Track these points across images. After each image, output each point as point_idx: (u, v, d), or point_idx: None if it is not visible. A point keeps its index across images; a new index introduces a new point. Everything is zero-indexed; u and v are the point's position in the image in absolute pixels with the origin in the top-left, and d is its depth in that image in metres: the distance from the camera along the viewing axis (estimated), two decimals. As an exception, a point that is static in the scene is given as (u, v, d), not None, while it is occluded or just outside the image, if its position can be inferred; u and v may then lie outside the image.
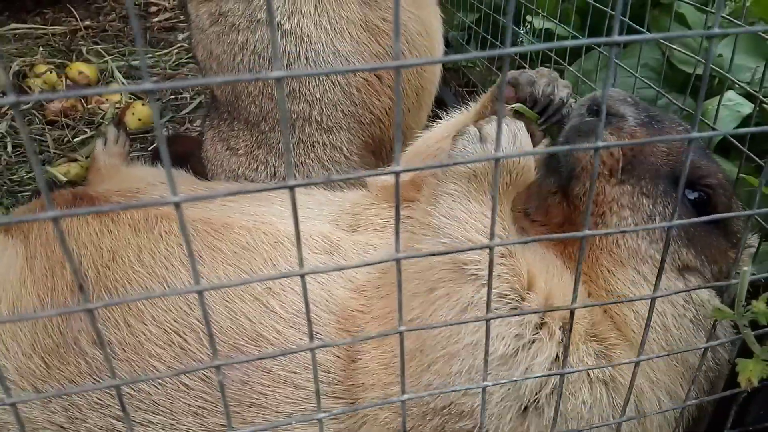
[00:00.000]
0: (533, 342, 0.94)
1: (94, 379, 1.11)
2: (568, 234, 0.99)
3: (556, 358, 0.94)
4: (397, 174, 0.59)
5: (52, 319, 1.16)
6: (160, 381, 1.09)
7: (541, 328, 0.96)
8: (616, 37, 0.57)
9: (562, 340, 0.95)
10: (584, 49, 1.95)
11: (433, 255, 0.73)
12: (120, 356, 1.09)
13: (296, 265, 1.18)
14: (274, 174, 1.65)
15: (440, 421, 0.96)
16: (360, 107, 1.59)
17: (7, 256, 1.29)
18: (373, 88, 1.59)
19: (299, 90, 1.52)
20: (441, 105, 2.56)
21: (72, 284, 1.16)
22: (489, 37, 2.38)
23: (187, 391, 1.08)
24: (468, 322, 0.72)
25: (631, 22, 1.63)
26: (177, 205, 0.55)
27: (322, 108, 1.55)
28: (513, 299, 0.96)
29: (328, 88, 1.52)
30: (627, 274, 1.01)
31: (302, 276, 0.63)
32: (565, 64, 1.96)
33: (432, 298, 0.97)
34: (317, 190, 1.46)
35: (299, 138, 1.60)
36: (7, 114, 2.69)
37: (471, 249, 0.83)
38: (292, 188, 0.57)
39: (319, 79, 1.51)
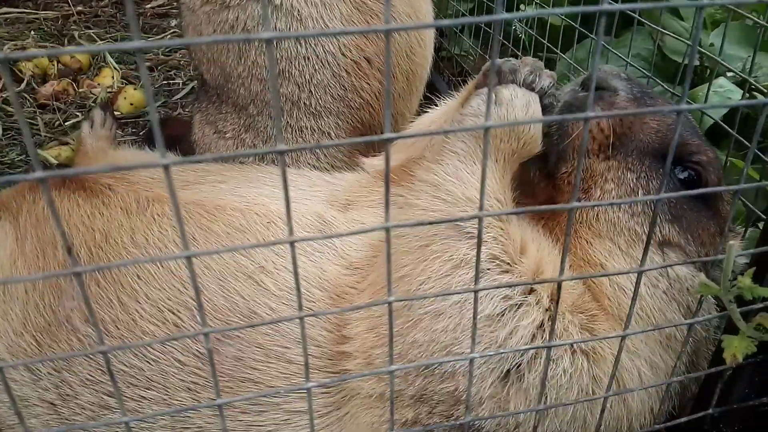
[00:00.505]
0: (520, 305, 0.95)
1: (86, 357, 1.12)
2: (558, 206, 1.00)
3: (541, 324, 0.95)
4: (387, 141, 0.59)
5: (44, 297, 1.16)
6: (153, 357, 1.09)
7: (530, 293, 0.97)
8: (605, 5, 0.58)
9: (549, 308, 0.96)
10: (577, 38, 1.95)
11: (422, 224, 0.73)
12: (113, 334, 1.10)
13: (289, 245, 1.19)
14: (262, 158, 1.65)
15: (423, 382, 0.96)
16: (349, 91, 1.59)
17: None
18: (362, 71, 1.59)
19: (288, 71, 1.52)
20: (434, 93, 2.56)
21: (64, 262, 1.16)
22: (483, 26, 2.38)
23: (181, 367, 1.09)
24: (455, 293, 0.73)
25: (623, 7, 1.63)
26: (166, 168, 0.55)
27: (311, 90, 1.55)
28: (505, 261, 0.97)
29: (317, 68, 1.52)
30: (604, 245, 1.03)
31: (291, 243, 0.64)
32: (559, 52, 1.96)
33: (426, 253, 0.97)
34: (311, 172, 1.46)
35: (287, 122, 1.60)
36: (-2, 97, 2.67)
37: (461, 219, 0.83)
38: (282, 153, 0.57)
39: (308, 59, 1.51)
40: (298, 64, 1.51)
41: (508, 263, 0.97)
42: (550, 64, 2.09)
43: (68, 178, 1.42)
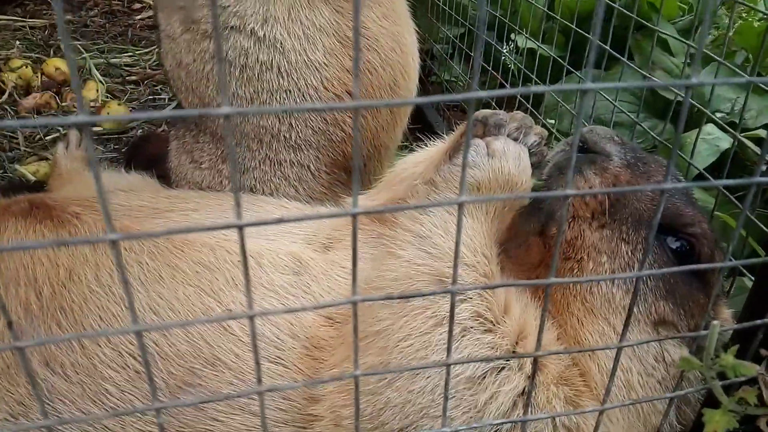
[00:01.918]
0: (502, 369, 0.91)
1: (45, 401, 1.06)
2: (534, 281, 0.96)
3: (523, 391, 0.91)
4: (354, 216, 0.55)
5: (4, 336, 1.11)
6: (111, 405, 1.04)
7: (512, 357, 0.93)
8: (588, 84, 0.55)
9: (531, 375, 0.92)
10: (565, 72, 1.93)
11: (390, 299, 0.69)
12: (72, 379, 1.05)
13: (261, 285, 1.14)
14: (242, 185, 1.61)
15: None
16: (331, 124, 1.55)
17: None
18: None
19: (269, 103, 1.49)
20: (422, 120, 2.53)
21: (26, 301, 1.11)
22: (472, 53, 2.36)
23: (140, 416, 1.04)
24: (428, 367, 0.69)
25: (611, 50, 1.61)
26: (113, 243, 0.51)
27: (291, 123, 1.51)
28: (488, 320, 0.93)
29: (298, 101, 1.48)
30: (597, 325, 0.97)
31: (251, 318, 0.59)
32: (545, 85, 1.94)
33: (407, 309, 0.93)
34: (290, 203, 1.42)
35: (266, 154, 1.56)
36: (-23, 109, 2.62)
37: (431, 294, 0.78)
38: (241, 228, 0.54)
39: (290, 92, 1.48)
40: (279, 96, 1.47)
41: (492, 322, 0.93)
42: (537, 96, 2.07)
43: (35, 206, 1.37)
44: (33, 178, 2.23)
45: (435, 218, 0.99)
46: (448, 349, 0.68)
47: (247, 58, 1.44)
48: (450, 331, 0.66)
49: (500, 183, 1.02)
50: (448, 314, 0.90)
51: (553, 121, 1.99)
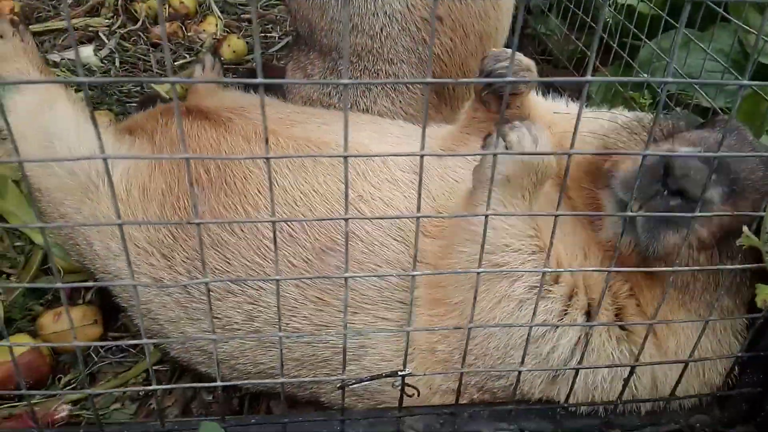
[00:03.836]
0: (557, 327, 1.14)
1: (215, 251, 1.34)
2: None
3: (578, 340, 1.13)
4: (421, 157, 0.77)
5: (180, 200, 1.39)
6: (271, 258, 1.30)
7: (565, 315, 1.14)
8: (588, 78, 0.74)
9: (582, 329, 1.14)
10: (662, 27, 2.05)
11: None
12: (239, 235, 1.32)
13: (385, 179, 1.38)
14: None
15: (481, 378, 1.20)
16: (419, 44, 1.74)
17: (136, 148, 1.53)
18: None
19: (360, 24, 1.71)
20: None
21: (195, 177, 1.38)
22: (572, 6, 2.49)
23: (292, 268, 1.30)
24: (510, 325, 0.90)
25: (709, 2, 1.73)
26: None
27: (382, 41, 1.72)
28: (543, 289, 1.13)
29: (385, 23, 1.71)
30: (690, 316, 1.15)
31: (346, 221, 0.82)
32: (644, 38, 2.07)
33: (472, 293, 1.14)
34: (408, 124, 1.64)
35: (365, 66, 1.78)
36: (116, 32, 2.94)
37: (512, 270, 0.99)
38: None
39: (376, 14, 1.69)
40: (368, 18, 1.70)
41: (546, 289, 1.14)
42: (633, 51, 2.20)
43: (190, 109, 1.66)
44: (167, 96, 2.54)
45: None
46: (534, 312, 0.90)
47: None
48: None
49: (526, 170, 1.13)
50: (504, 294, 1.12)
51: (646, 75, 2.12)
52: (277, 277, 0.88)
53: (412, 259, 0.92)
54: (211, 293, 1.33)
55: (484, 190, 1.08)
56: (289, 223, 1.31)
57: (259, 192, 1.35)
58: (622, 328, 1.15)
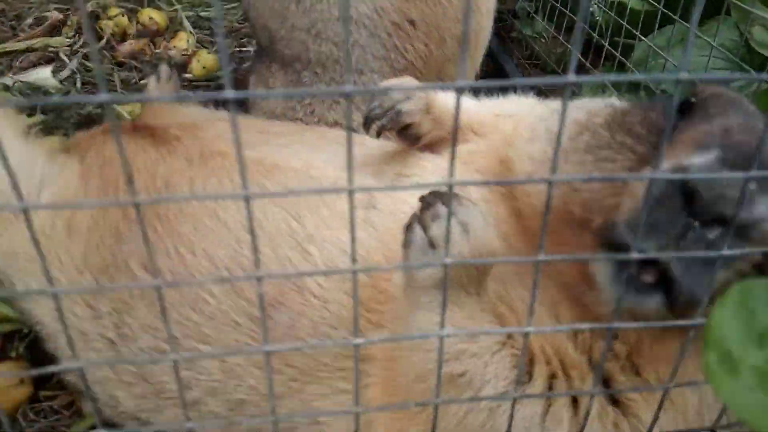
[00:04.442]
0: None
1: (144, 304, 1.15)
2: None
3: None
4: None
5: (104, 238, 1.21)
6: (209, 314, 1.11)
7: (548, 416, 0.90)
8: (569, 77, 0.55)
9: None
10: (658, 24, 1.87)
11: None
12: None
13: (335, 211, 1.18)
14: (312, 112, 1.68)
15: None
16: (391, 51, 1.59)
17: (66, 173, 1.35)
18: (405, 32, 1.58)
19: (324, 31, 1.55)
20: (500, 73, 2.51)
21: (125, 208, 1.20)
22: (558, 5, 2.31)
23: (236, 326, 1.10)
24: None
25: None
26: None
27: (348, 50, 1.57)
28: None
29: (353, 29, 1.53)
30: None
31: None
32: (639, 34, 1.89)
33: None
34: (371, 141, 1.46)
35: (331, 77, 1.63)
36: (78, 52, 2.78)
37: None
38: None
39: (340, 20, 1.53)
40: (332, 25, 1.52)
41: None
42: (626, 51, 2.01)
43: (137, 126, 1.48)
44: (129, 117, 2.37)
45: (421, 322, 0.90)
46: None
47: None
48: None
49: (463, 268, 0.89)
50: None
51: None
52: (266, 348, 0.68)
53: (352, 322, 0.73)
54: (142, 353, 1.14)
55: (418, 294, 0.89)
56: (230, 271, 1.12)
57: (195, 229, 1.17)
58: (615, 404, 0.89)
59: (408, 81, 1.27)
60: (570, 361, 0.91)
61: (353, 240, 0.61)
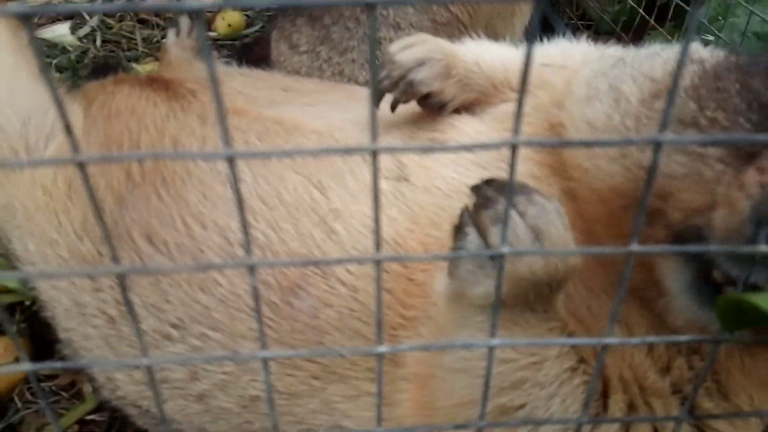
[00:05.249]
0: None
1: (149, 281, 1.02)
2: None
3: None
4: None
5: (105, 202, 1.07)
6: (221, 297, 0.97)
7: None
8: None
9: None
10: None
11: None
12: (177, 260, 0.99)
13: (362, 182, 1.02)
14: (341, 72, 1.52)
15: None
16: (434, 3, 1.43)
17: (71, 117, 1.21)
18: None
19: None
20: (548, 29, 2.30)
21: (127, 167, 1.06)
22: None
23: (251, 314, 0.96)
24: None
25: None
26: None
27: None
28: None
29: None
30: None
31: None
32: None
33: None
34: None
35: (364, 33, 1.48)
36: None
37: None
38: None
39: None
40: None
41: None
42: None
43: (153, 79, 1.34)
44: (142, 72, 2.24)
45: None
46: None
47: None
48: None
49: (533, 286, 0.70)
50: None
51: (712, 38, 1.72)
52: (265, 354, 0.53)
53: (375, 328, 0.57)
54: (145, 337, 1.01)
55: (467, 314, 0.71)
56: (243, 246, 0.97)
57: (204, 197, 1.02)
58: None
59: (423, 37, 1.06)
60: (650, 387, 0.73)
61: (377, 219, 0.45)
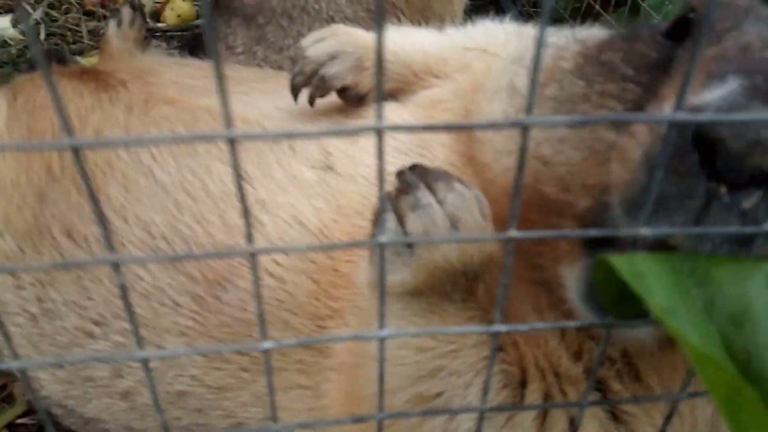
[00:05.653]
0: None
1: (70, 278, 0.99)
2: None
3: None
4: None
5: (26, 198, 1.04)
6: (143, 292, 0.95)
7: None
8: None
9: None
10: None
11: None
12: (98, 256, 0.96)
13: (289, 173, 1.00)
14: (279, 69, 1.51)
15: None
16: None
17: None
18: None
19: None
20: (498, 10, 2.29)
21: (48, 162, 1.03)
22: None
23: (175, 308, 0.94)
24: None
25: None
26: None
27: None
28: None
29: None
30: None
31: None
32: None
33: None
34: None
35: (298, 31, 1.46)
36: (43, 0, 2.57)
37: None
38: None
39: None
40: None
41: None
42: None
43: (85, 71, 1.30)
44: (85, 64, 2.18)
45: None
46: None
47: None
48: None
49: (447, 273, 0.69)
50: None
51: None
52: (265, 346, 0.51)
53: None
54: (66, 333, 0.99)
55: (388, 302, 0.68)
56: (168, 240, 0.95)
57: (126, 191, 0.99)
58: (614, 417, 0.71)
59: (336, 30, 1.04)
60: (564, 374, 0.72)
61: (381, 185, 0.43)
